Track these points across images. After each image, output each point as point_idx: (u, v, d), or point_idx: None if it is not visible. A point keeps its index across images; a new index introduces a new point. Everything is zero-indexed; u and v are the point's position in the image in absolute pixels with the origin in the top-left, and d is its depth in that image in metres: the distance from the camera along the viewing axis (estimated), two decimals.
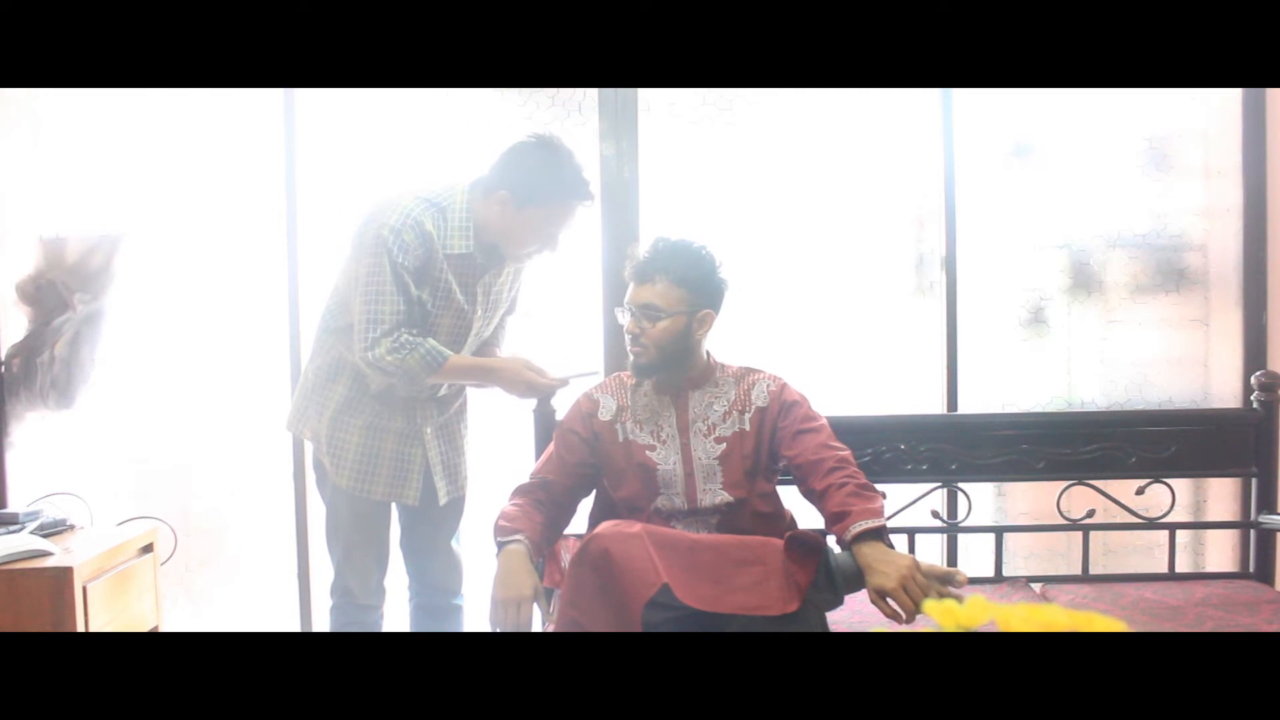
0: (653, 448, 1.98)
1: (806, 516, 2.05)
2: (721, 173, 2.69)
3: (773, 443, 1.98)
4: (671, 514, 1.97)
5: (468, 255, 2.05)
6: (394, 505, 2.24)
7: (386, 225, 1.98)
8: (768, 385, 2.01)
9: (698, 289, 1.93)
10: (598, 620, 1.65)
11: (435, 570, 2.28)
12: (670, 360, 1.95)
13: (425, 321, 2.06)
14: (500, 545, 1.89)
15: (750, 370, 2.05)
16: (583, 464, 2.02)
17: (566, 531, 2.20)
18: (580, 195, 2.03)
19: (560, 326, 2.69)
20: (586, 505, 2.13)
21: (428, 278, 2.02)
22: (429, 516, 2.23)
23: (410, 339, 2.00)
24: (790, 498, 2.07)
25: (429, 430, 2.15)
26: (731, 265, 2.00)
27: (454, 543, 2.30)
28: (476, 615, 2.36)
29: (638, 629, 1.59)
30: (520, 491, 2.00)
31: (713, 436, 1.98)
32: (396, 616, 2.35)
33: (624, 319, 1.97)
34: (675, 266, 1.92)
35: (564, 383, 2.11)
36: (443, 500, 2.19)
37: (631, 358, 1.97)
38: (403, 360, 1.99)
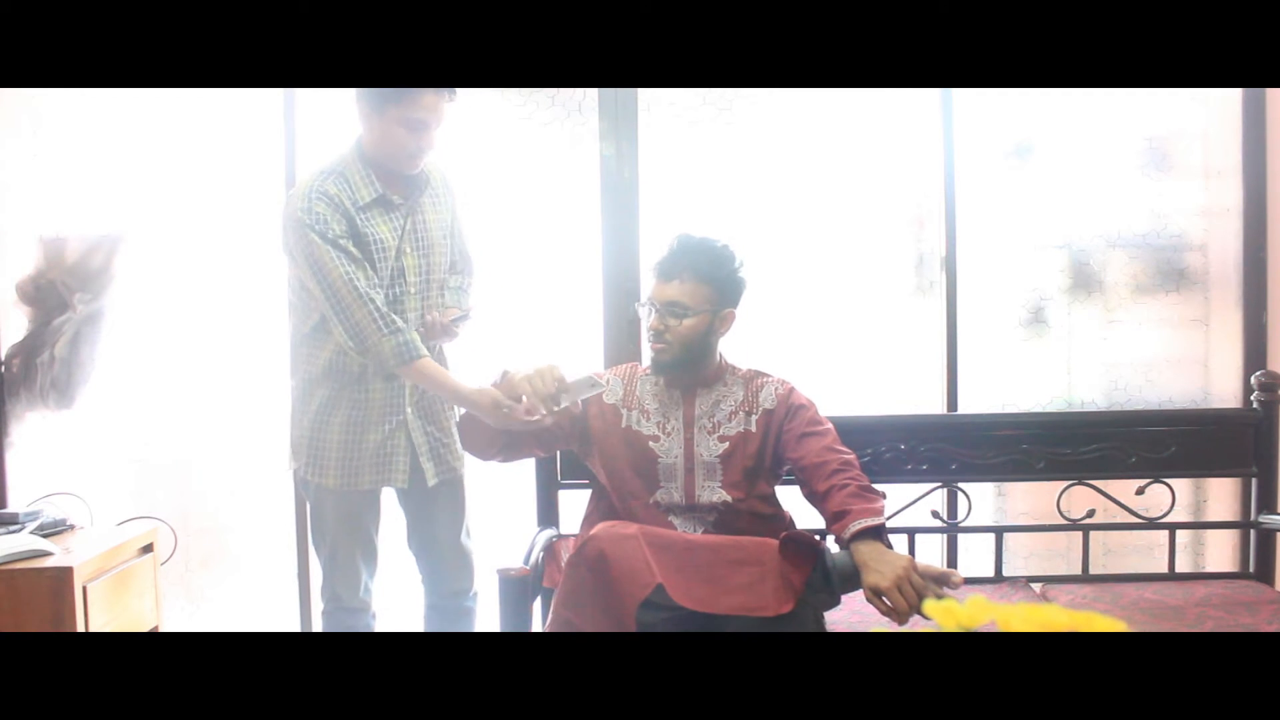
0: (656, 439, 1.99)
1: (807, 519, 2.05)
2: (721, 172, 2.69)
3: (778, 445, 1.98)
4: (670, 507, 1.97)
5: (381, 198, 2.06)
6: (391, 503, 2.23)
7: (297, 210, 2.01)
8: (776, 388, 2.02)
9: (722, 288, 1.95)
10: (593, 621, 1.65)
11: (445, 570, 2.26)
12: (693, 358, 1.97)
13: (379, 282, 2.06)
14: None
15: (759, 373, 2.06)
16: (558, 427, 2.00)
17: (565, 532, 2.20)
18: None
19: (560, 326, 2.69)
20: (583, 506, 2.13)
21: (358, 239, 2.04)
22: (426, 507, 2.22)
23: (394, 320, 2.01)
24: (790, 500, 2.07)
25: (410, 410, 2.13)
26: (746, 268, 2.00)
27: (463, 538, 2.27)
28: (488, 613, 2.36)
29: (632, 629, 1.59)
30: None
31: (716, 435, 1.98)
32: (402, 616, 2.35)
33: (647, 315, 1.97)
34: (702, 264, 1.93)
35: (535, 418, 1.98)
36: (431, 482, 2.16)
37: (653, 354, 1.97)
38: (382, 338, 1.99)
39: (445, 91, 2.03)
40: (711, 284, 1.93)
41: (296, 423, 2.18)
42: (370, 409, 2.12)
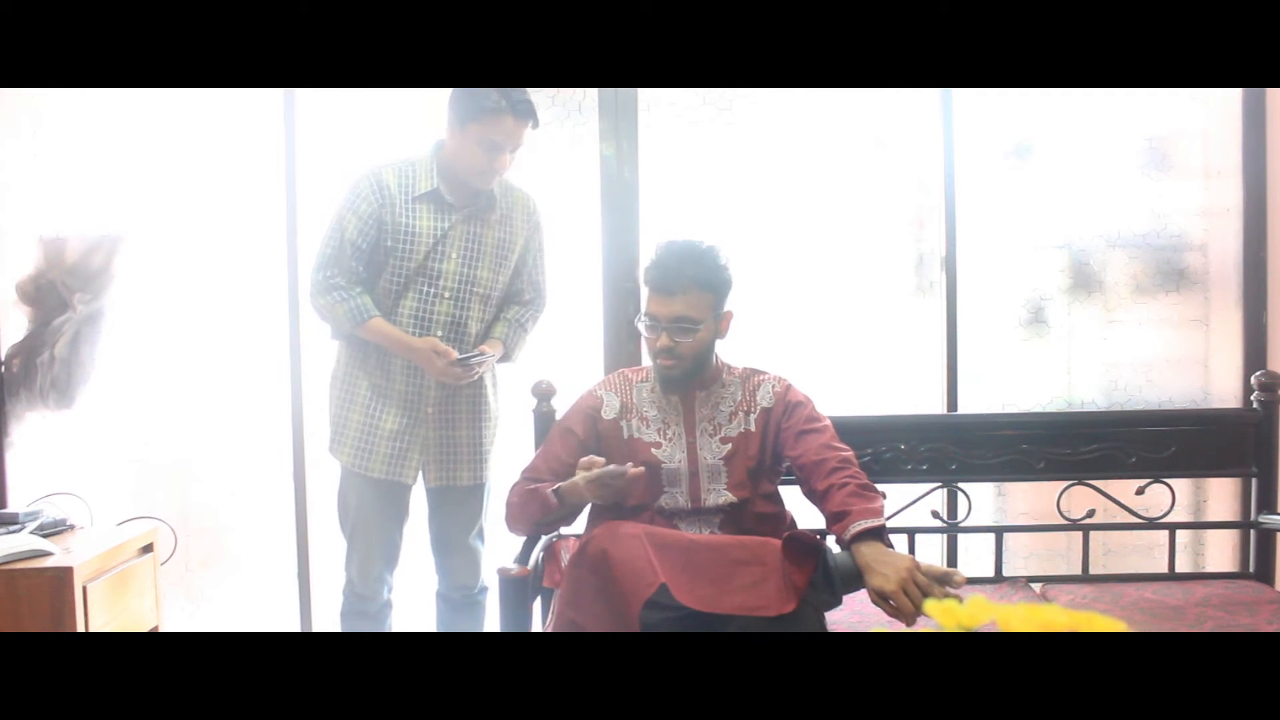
0: (658, 445, 1.98)
1: (808, 517, 2.05)
2: (721, 172, 2.69)
3: (777, 443, 1.98)
4: (674, 512, 1.97)
5: (433, 192, 2.14)
6: (420, 498, 2.29)
7: (350, 183, 2.17)
8: (773, 386, 2.01)
9: (720, 291, 1.93)
10: (596, 620, 1.65)
11: (453, 565, 2.32)
12: (700, 367, 1.96)
13: (373, 266, 2.15)
14: (543, 516, 1.93)
15: (756, 371, 2.05)
16: (577, 465, 2.00)
17: (565, 531, 2.20)
18: (515, 108, 2.06)
19: (561, 326, 2.69)
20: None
21: (387, 226, 2.13)
22: (445, 504, 2.28)
23: (344, 287, 2.13)
24: (792, 498, 2.07)
25: (431, 409, 2.19)
26: (733, 264, 2.00)
27: (473, 539, 2.31)
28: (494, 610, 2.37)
29: (636, 629, 1.59)
30: (516, 489, 2.01)
31: (718, 436, 1.98)
32: (419, 610, 2.37)
33: (653, 333, 1.92)
34: (701, 274, 1.89)
35: (466, 366, 2.11)
36: (432, 485, 2.22)
37: (662, 370, 1.95)
38: (332, 306, 2.14)
39: (528, 118, 2.09)
40: (712, 291, 1.91)
41: (329, 396, 2.27)
42: (390, 396, 2.17)
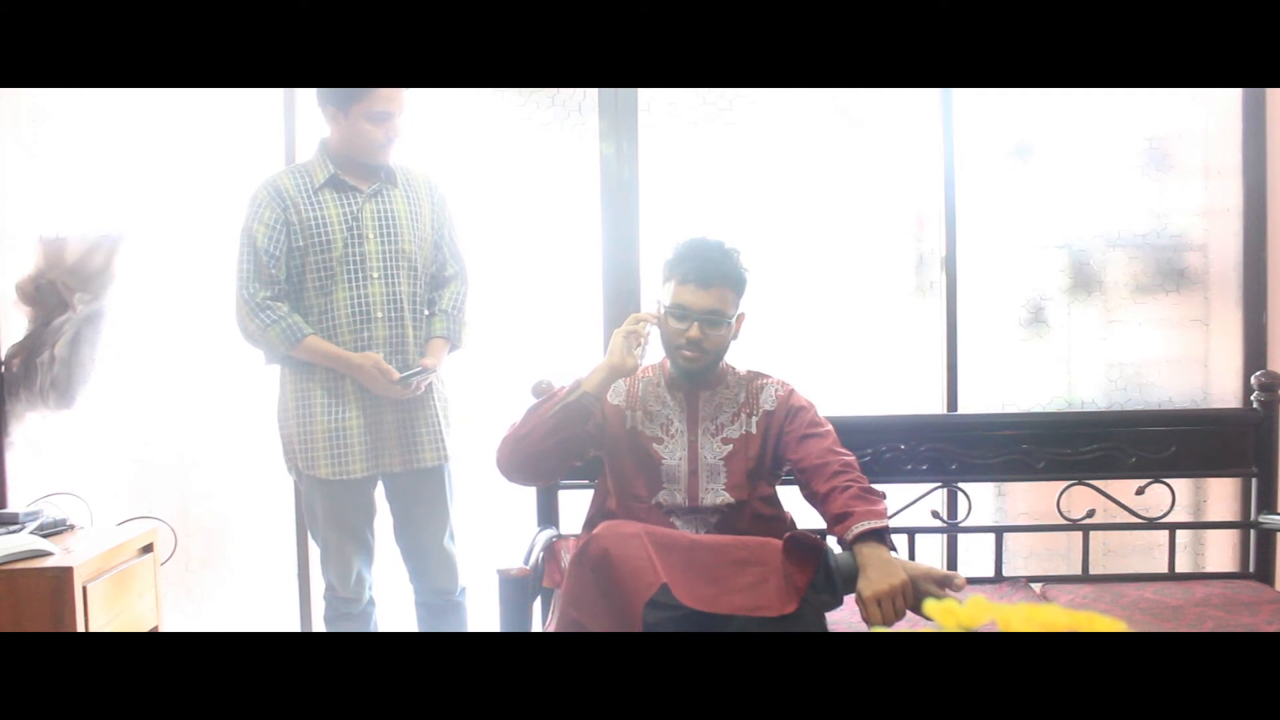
0: (660, 440, 1.98)
1: (807, 519, 2.05)
2: (722, 173, 2.69)
3: (778, 447, 1.98)
4: (672, 509, 1.97)
5: (332, 178, 2.16)
6: (381, 500, 2.27)
7: (248, 199, 2.18)
8: (776, 390, 2.02)
9: (742, 291, 1.96)
10: (598, 620, 1.65)
11: (429, 571, 2.30)
12: (716, 364, 1.98)
13: (292, 274, 2.15)
14: (555, 415, 1.91)
15: (758, 374, 2.06)
16: (594, 429, 2.00)
17: (565, 532, 2.20)
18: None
19: (560, 326, 2.69)
20: (583, 506, 2.13)
21: (296, 226, 2.14)
22: (410, 507, 2.26)
23: (275, 308, 2.12)
24: (791, 500, 2.07)
25: (369, 398, 2.16)
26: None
27: (447, 541, 2.30)
28: (479, 611, 2.36)
29: (638, 629, 1.59)
30: (511, 426, 2.00)
31: (720, 437, 1.98)
32: (401, 611, 2.36)
33: (681, 322, 1.91)
34: (731, 270, 1.92)
35: (406, 384, 2.12)
36: (398, 468, 2.19)
37: (685, 362, 1.94)
38: (264, 329, 2.12)
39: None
40: (738, 289, 1.94)
41: (282, 420, 2.22)
42: (347, 395, 2.15)
